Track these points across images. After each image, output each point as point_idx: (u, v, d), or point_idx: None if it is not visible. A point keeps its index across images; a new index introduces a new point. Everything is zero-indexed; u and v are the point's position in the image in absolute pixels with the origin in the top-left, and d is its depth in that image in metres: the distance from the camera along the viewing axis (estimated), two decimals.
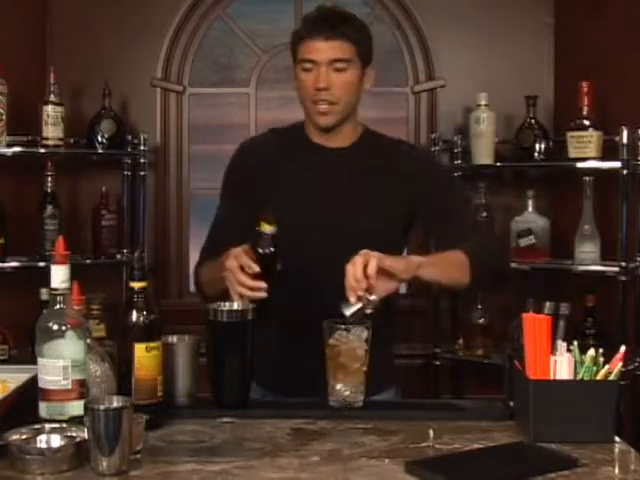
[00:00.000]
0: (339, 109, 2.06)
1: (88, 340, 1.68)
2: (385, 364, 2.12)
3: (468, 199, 2.25)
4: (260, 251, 1.86)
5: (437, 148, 3.49)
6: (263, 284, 1.85)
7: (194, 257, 3.81)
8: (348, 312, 1.81)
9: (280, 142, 2.17)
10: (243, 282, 1.85)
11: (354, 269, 1.80)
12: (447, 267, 1.97)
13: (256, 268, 1.85)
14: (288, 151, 2.15)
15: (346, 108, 2.07)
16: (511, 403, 1.80)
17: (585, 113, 3.22)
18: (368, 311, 1.82)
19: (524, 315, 1.72)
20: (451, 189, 2.20)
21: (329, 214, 2.07)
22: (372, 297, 1.81)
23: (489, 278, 2.03)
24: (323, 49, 2.02)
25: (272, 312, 1.90)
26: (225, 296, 1.93)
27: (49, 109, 3.32)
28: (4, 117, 3.26)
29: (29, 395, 1.66)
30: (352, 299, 1.80)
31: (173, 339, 1.87)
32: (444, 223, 2.09)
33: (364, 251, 1.83)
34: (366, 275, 1.79)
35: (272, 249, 1.87)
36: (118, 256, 3.50)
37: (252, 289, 1.85)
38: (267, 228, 1.86)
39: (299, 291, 2.01)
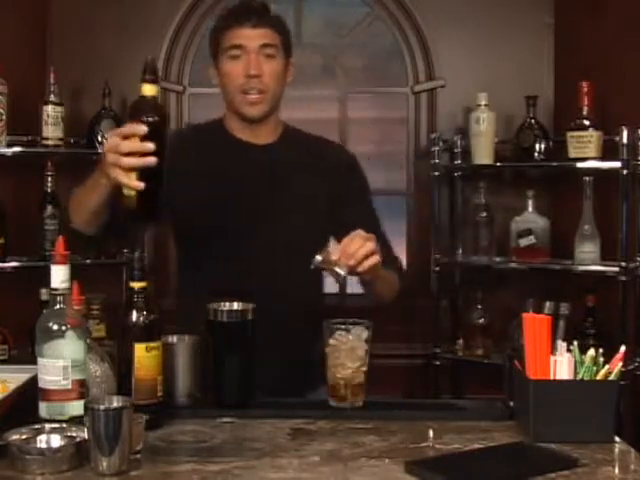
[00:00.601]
0: (268, 97, 2.04)
1: (88, 340, 1.68)
2: (316, 360, 2.11)
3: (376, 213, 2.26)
4: (144, 119, 1.64)
5: (437, 148, 3.49)
6: (150, 145, 1.62)
7: None
8: (319, 257, 1.81)
9: (201, 139, 2.14)
10: (127, 147, 1.62)
11: (361, 248, 1.78)
12: (389, 284, 2.04)
13: (142, 128, 1.62)
14: (212, 148, 2.11)
15: (274, 98, 2.07)
16: (511, 403, 1.81)
17: (585, 113, 3.22)
18: (326, 273, 1.83)
19: (524, 315, 1.72)
20: (368, 207, 2.20)
21: (260, 212, 2.05)
22: (344, 274, 1.81)
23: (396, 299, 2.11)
24: (252, 35, 2.02)
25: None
26: (98, 215, 1.80)
27: (49, 109, 3.33)
28: (4, 117, 3.26)
29: (29, 395, 1.66)
30: (334, 257, 1.80)
31: (173, 339, 1.87)
32: None
33: (373, 239, 1.81)
34: (361, 262, 1.79)
35: (157, 117, 1.65)
36: (118, 256, 3.50)
37: (140, 154, 1.62)
38: (148, 90, 1.67)
39: (228, 290, 1.98)
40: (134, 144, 1.62)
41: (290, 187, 2.08)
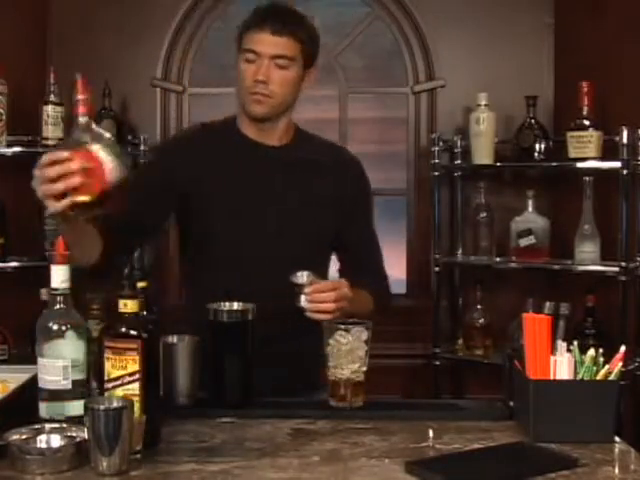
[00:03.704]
0: (274, 102, 2.05)
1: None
2: (318, 361, 2.12)
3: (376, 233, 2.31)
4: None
5: (437, 148, 3.49)
6: (72, 165, 1.54)
7: None
8: (304, 278, 1.90)
9: (213, 138, 2.13)
10: (54, 172, 1.55)
11: (329, 304, 1.88)
12: (360, 306, 2.04)
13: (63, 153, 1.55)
14: (222, 148, 2.11)
15: (281, 103, 2.07)
16: (511, 403, 1.81)
17: (585, 113, 3.22)
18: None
19: (524, 315, 1.72)
20: (370, 219, 2.25)
21: (266, 213, 2.06)
22: (303, 305, 1.90)
23: (377, 316, 2.14)
24: (268, 42, 2.02)
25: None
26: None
27: (49, 109, 3.33)
28: (4, 117, 3.26)
29: (29, 395, 1.66)
30: (307, 290, 1.89)
31: (173, 339, 1.87)
32: (357, 252, 2.17)
33: (345, 292, 1.91)
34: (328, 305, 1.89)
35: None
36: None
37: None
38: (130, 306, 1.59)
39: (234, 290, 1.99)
40: (59, 168, 1.55)
41: (300, 188, 2.10)
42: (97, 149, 1.57)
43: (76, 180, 1.54)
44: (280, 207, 2.08)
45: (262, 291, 1.90)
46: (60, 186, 1.54)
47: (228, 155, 2.10)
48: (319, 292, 1.90)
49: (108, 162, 1.56)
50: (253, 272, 2.04)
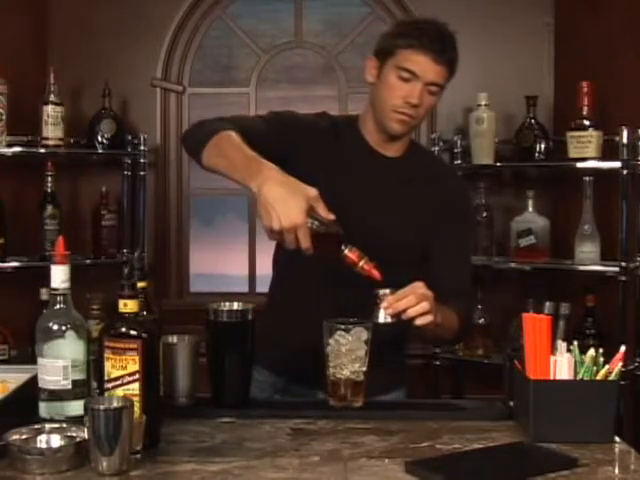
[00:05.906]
0: (415, 123, 2.07)
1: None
2: (397, 364, 2.15)
3: (471, 253, 2.28)
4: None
5: (437, 148, 3.49)
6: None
7: (194, 257, 3.85)
8: (385, 291, 1.82)
9: (337, 134, 2.11)
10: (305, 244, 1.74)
11: (410, 309, 1.79)
12: (446, 318, 1.98)
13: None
14: (342, 146, 2.10)
15: (418, 124, 2.10)
16: (511, 403, 1.81)
17: (585, 113, 3.22)
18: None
19: (524, 315, 1.72)
20: (463, 241, 2.19)
21: (368, 218, 2.05)
22: (382, 320, 1.83)
23: (459, 341, 2.11)
24: (429, 68, 1.99)
25: (298, 296, 1.98)
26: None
27: (49, 109, 3.33)
28: (4, 117, 3.26)
29: (29, 395, 1.66)
30: (384, 304, 1.81)
31: (173, 339, 1.87)
32: (445, 270, 2.07)
33: (430, 298, 1.82)
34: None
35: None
36: (118, 256, 3.50)
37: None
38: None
39: (327, 286, 2.01)
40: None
41: (406, 199, 2.09)
42: None
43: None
44: (383, 215, 2.06)
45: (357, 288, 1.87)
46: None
47: (345, 155, 2.09)
48: (397, 300, 1.81)
49: None
50: (349, 280, 1.96)
